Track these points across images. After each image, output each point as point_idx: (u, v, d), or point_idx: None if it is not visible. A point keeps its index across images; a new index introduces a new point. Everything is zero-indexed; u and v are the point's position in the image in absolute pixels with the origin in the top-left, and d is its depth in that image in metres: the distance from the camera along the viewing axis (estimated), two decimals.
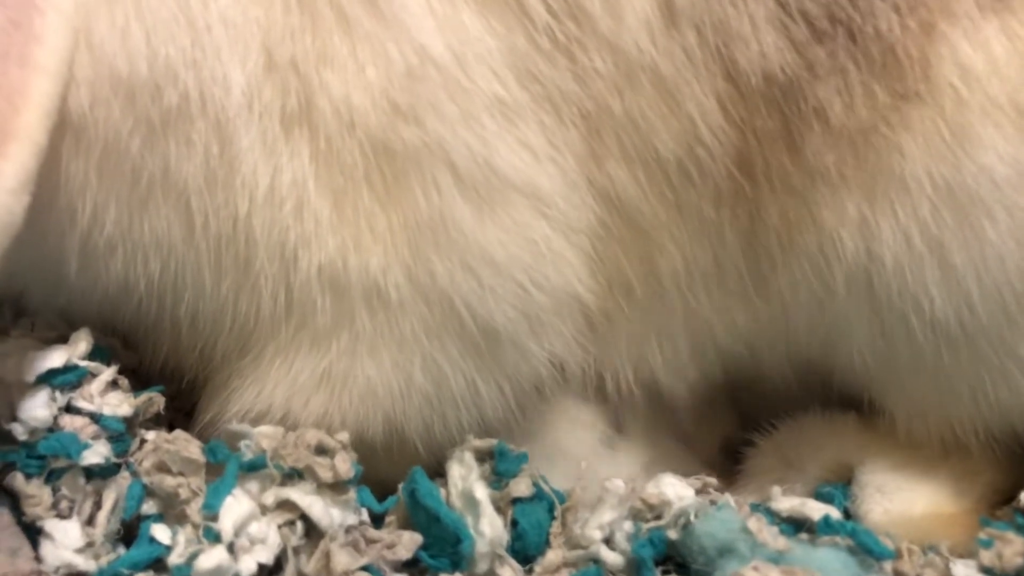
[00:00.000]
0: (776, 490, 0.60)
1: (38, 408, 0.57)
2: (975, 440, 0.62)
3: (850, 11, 0.55)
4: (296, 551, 0.56)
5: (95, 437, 0.58)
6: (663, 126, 0.57)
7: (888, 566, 0.56)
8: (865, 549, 0.56)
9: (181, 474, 0.57)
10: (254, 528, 0.55)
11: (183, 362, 0.63)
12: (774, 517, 0.59)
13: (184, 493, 0.56)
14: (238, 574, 0.54)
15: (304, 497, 0.56)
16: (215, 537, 0.55)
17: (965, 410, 0.61)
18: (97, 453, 0.57)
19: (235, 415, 0.61)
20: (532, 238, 0.58)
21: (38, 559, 0.55)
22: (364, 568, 0.55)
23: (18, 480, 0.56)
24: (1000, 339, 0.58)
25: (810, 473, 0.66)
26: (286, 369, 0.60)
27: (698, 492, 0.60)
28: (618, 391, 0.65)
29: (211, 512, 0.55)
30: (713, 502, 0.58)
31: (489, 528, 0.57)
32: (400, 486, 0.59)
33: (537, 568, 0.58)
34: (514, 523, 0.59)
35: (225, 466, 0.57)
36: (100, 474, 0.57)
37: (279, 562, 0.56)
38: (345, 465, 0.57)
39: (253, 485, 0.57)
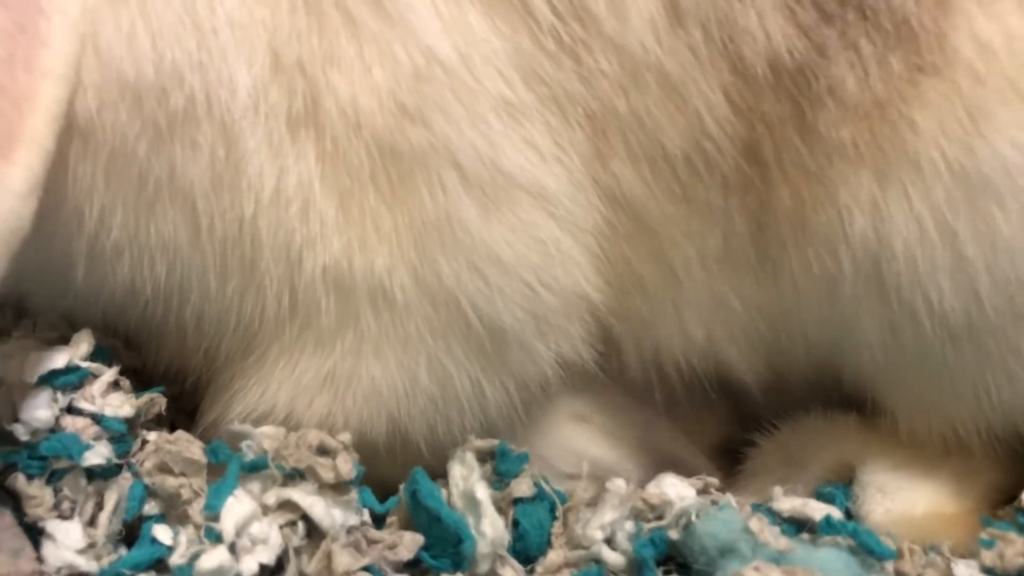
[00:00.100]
0: (777, 490, 0.60)
1: (40, 409, 0.57)
2: (977, 440, 0.62)
3: None
4: (297, 551, 0.56)
5: (97, 438, 0.58)
6: (669, 123, 0.57)
7: (889, 566, 0.56)
8: (866, 549, 0.56)
9: (183, 475, 0.57)
10: (255, 528, 0.55)
11: (187, 363, 0.63)
12: (775, 517, 0.59)
13: (186, 494, 0.56)
14: (239, 574, 0.54)
15: (306, 497, 0.56)
16: (217, 537, 0.55)
17: (968, 409, 0.61)
18: (99, 454, 0.57)
19: (238, 416, 0.61)
20: (539, 238, 0.58)
21: (40, 560, 0.55)
22: (365, 568, 0.55)
23: (20, 481, 0.56)
24: (1005, 337, 0.58)
25: (811, 473, 0.66)
26: (290, 370, 0.60)
27: (699, 492, 0.60)
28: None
29: (213, 512, 0.55)
30: (714, 502, 0.58)
31: (490, 528, 0.57)
32: (401, 487, 0.59)
33: (538, 568, 0.58)
34: (515, 523, 0.59)
35: (227, 466, 0.57)
36: (102, 475, 0.57)
37: (280, 562, 0.56)
38: (347, 466, 0.57)
39: (255, 485, 0.57)
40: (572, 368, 0.63)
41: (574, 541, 0.58)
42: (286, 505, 0.56)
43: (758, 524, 0.55)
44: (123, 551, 0.57)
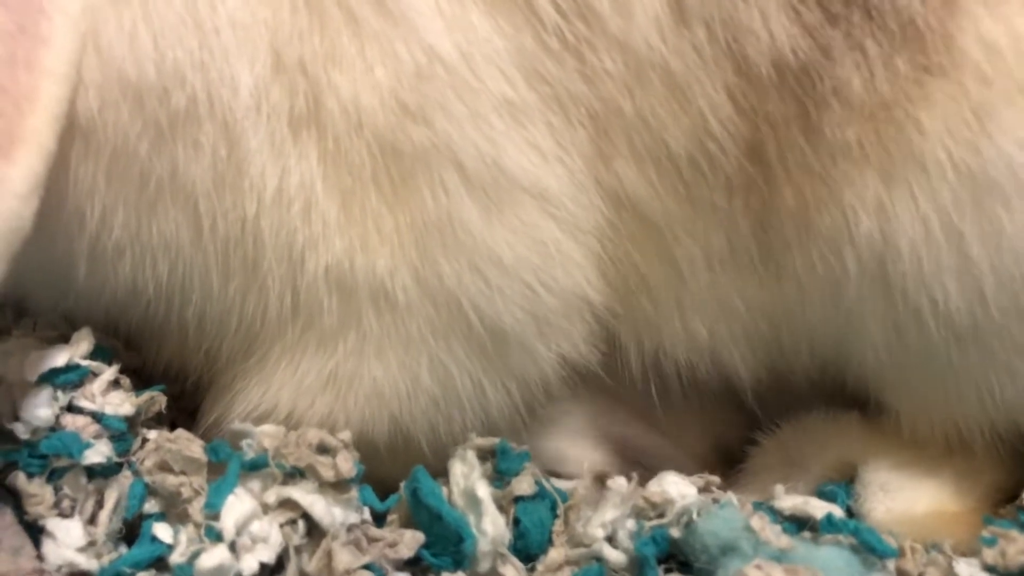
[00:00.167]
0: (779, 488, 0.60)
1: (40, 407, 0.57)
2: (980, 439, 0.62)
3: None
4: (298, 550, 0.56)
5: (97, 436, 0.58)
6: (674, 123, 0.57)
7: (891, 564, 0.56)
8: (868, 548, 0.56)
9: (183, 473, 0.57)
10: (256, 527, 0.55)
11: (188, 363, 0.63)
12: (777, 515, 0.58)
13: (186, 492, 0.56)
14: (240, 573, 0.54)
15: (306, 496, 0.56)
16: (217, 536, 0.55)
17: (971, 408, 0.61)
18: (99, 452, 0.57)
19: (240, 415, 0.61)
20: (540, 239, 0.58)
21: (40, 558, 0.55)
22: (366, 567, 0.55)
23: (20, 479, 0.56)
24: (1010, 336, 0.58)
25: (813, 471, 0.65)
26: (292, 370, 0.60)
27: (701, 490, 0.60)
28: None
29: (213, 511, 0.55)
30: (716, 500, 0.58)
31: (491, 527, 0.57)
32: (402, 485, 0.59)
33: (539, 567, 0.58)
34: (516, 521, 0.59)
35: (227, 465, 0.57)
36: (102, 473, 0.57)
37: (281, 561, 0.56)
38: (347, 464, 0.56)
39: (255, 484, 0.57)
40: (574, 369, 0.63)
41: (575, 539, 0.58)
42: (286, 503, 0.56)
43: (759, 522, 0.55)
44: (123, 549, 0.57)
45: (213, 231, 0.57)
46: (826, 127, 0.56)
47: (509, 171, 0.57)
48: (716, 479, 0.61)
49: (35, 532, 0.56)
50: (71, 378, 0.59)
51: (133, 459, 0.58)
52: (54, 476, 0.57)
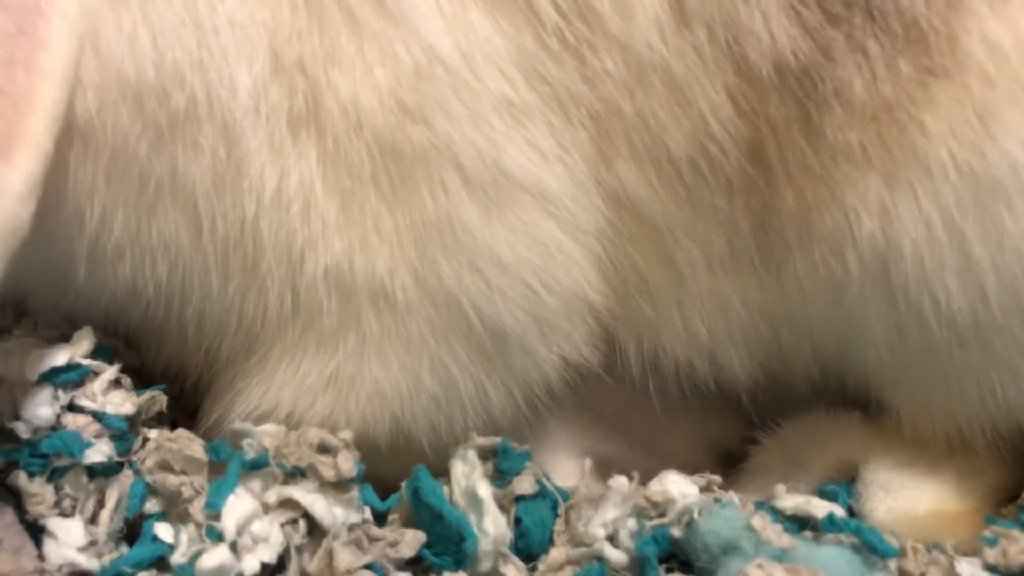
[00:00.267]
0: (780, 488, 0.60)
1: (41, 407, 0.57)
2: (981, 438, 0.62)
3: None
4: (299, 550, 0.56)
5: (98, 436, 0.58)
6: (674, 124, 0.57)
7: (892, 564, 0.56)
8: (869, 547, 0.56)
9: (184, 473, 0.57)
10: (257, 527, 0.55)
11: (188, 363, 0.63)
12: (778, 515, 0.58)
13: (187, 492, 0.56)
14: (241, 573, 0.54)
15: (307, 495, 0.56)
16: (218, 536, 0.55)
17: (973, 408, 0.61)
18: (100, 451, 0.57)
19: (240, 415, 0.61)
20: (541, 239, 0.58)
21: (41, 557, 0.55)
22: (367, 566, 0.55)
23: (21, 479, 0.56)
24: (1012, 336, 0.58)
25: (814, 471, 0.65)
26: (292, 371, 0.60)
27: (702, 490, 0.60)
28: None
29: (214, 511, 0.55)
30: (717, 500, 0.57)
31: (492, 526, 0.57)
32: (403, 484, 0.59)
33: (541, 566, 0.58)
34: (517, 521, 0.59)
35: (227, 465, 0.57)
36: (103, 472, 0.57)
37: (282, 561, 0.56)
38: (348, 463, 0.56)
39: (256, 484, 0.57)
40: (575, 369, 0.63)
41: (576, 539, 0.58)
42: (287, 503, 0.56)
43: (761, 522, 0.55)
44: (124, 549, 0.57)
45: (212, 232, 0.57)
46: (827, 129, 0.56)
47: (509, 171, 0.57)
48: (717, 478, 0.61)
49: (36, 532, 0.56)
50: (72, 377, 0.59)
51: (134, 458, 0.58)
52: (55, 475, 0.57)
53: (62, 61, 0.53)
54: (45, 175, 0.52)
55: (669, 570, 0.57)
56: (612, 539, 0.57)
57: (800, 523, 0.58)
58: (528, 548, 0.59)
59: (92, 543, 0.56)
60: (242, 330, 0.59)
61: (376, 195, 0.57)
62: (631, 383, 0.65)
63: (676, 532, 0.56)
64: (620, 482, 0.59)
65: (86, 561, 0.55)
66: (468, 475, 0.59)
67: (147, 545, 0.56)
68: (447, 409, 0.60)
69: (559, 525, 0.59)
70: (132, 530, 0.57)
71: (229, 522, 0.55)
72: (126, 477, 0.58)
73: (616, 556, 0.57)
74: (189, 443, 0.58)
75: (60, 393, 0.58)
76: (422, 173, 0.56)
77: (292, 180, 0.56)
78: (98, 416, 0.58)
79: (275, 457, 0.57)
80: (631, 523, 0.58)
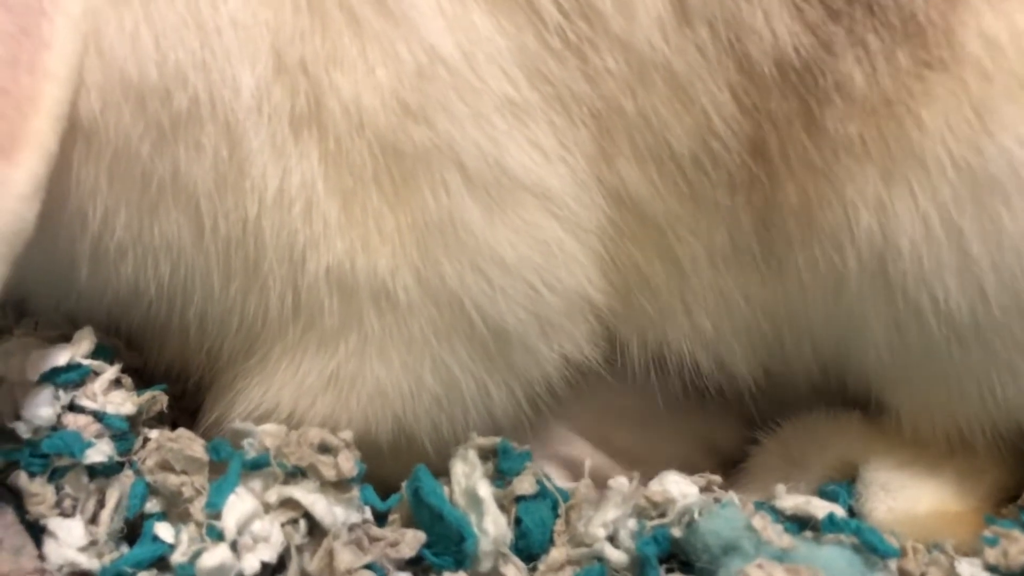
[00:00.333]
0: (780, 488, 0.60)
1: (41, 407, 0.57)
2: (981, 438, 0.62)
3: None
4: (299, 549, 0.56)
5: (98, 435, 0.58)
6: (677, 123, 0.57)
7: (893, 564, 0.56)
8: (870, 547, 0.56)
9: (184, 472, 0.57)
10: (257, 526, 0.55)
11: (189, 363, 0.63)
12: (778, 515, 0.58)
13: (187, 491, 0.56)
14: (241, 572, 0.54)
15: (307, 495, 0.56)
16: (218, 535, 0.55)
17: (973, 408, 0.61)
18: (100, 451, 0.57)
19: (241, 415, 0.61)
20: (543, 239, 0.58)
21: (41, 557, 0.55)
22: (367, 566, 0.55)
23: (22, 479, 0.56)
24: (1011, 335, 0.58)
25: (814, 471, 0.65)
26: (293, 370, 0.60)
27: (702, 490, 0.60)
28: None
29: (214, 510, 0.55)
30: (717, 500, 0.58)
31: (493, 526, 0.57)
32: (403, 484, 0.59)
33: (541, 566, 0.58)
34: (518, 521, 0.59)
35: (228, 464, 0.57)
36: (103, 472, 0.57)
37: (282, 560, 0.56)
38: (348, 463, 0.56)
39: (256, 483, 0.57)
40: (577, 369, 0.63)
41: (576, 539, 0.58)
42: (288, 503, 0.56)
43: (761, 522, 0.55)
44: (125, 549, 0.57)
45: (214, 232, 0.57)
46: (828, 122, 0.56)
47: (511, 171, 0.57)
48: (717, 479, 0.61)
49: (36, 531, 0.56)
50: (72, 377, 0.59)
51: (134, 458, 0.58)
52: (55, 475, 0.57)
53: (65, 62, 0.53)
54: (49, 176, 0.52)
55: (669, 570, 0.57)
56: (612, 539, 0.57)
57: (800, 523, 0.58)
58: (528, 548, 0.59)
59: (92, 543, 0.56)
60: (243, 330, 0.59)
61: (378, 195, 0.57)
62: (631, 381, 0.65)
63: (676, 532, 0.56)
64: (620, 482, 0.59)
65: (86, 561, 0.55)
66: (468, 475, 0.59)
67: (147, 545, 0.56)
68: (449, 409, 0.60)
69: (559, 525, 0.59)
70: (132, 530, 0.57)
71: (230, 522, 0.55)
72: (127, 477, 0.58)
73: (616, 556, 0.57)
74: (190, 443, 0.58)
75: (61, 393, 0.58)
76: (424, 173, 0.56)
77: (294, 180, 0.56)
78: (99, 416, 0.58)
79: (276, 457, 0.57)
80: (631, 523, 0.58)
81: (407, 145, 0.56)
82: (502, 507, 0.59)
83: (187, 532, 0.55)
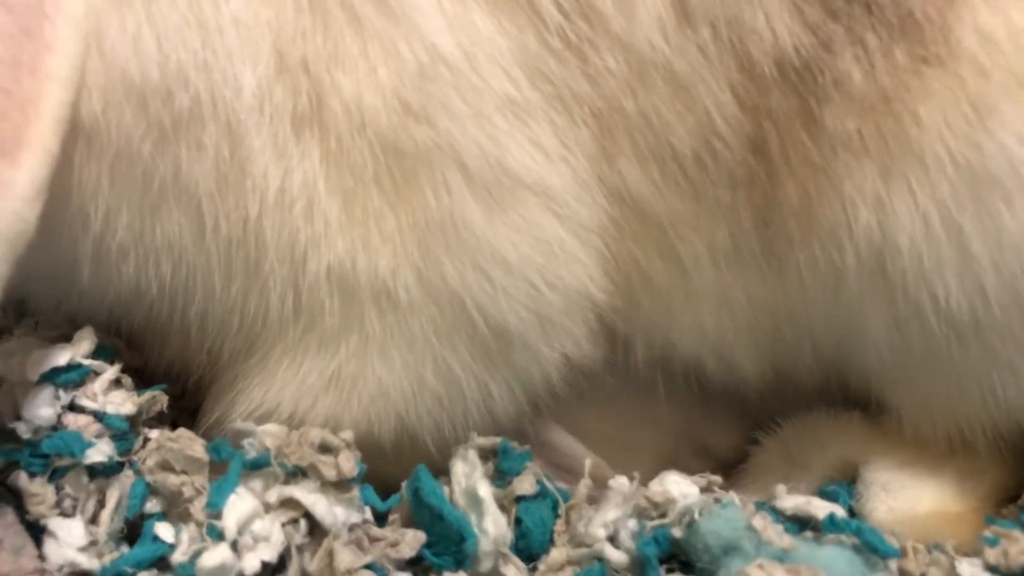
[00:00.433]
0: (781, 488, 0.60)
1: (42, 407, 0.57)
2: (982, 438, 0.62)
3: None
4: (299, 549, 0.56)
5: (99, 435, 0.58)
6: (678, 122, 0.57)
7: (893, 564, 0.56)
8: (870, 547, 0.56)
9: (184, 472, 0.57)
10: (257, 526, 0.55)
11: (190, 363, 0.63)
12: (779, 515, 0.58)
13: (187, 491, 0.56)
14: (241, 572, 0.54)
15: (307, 495, 0.56)
16: (218, 535, 0.55)
17: (973, 407, 0.61)
18: (100, 451, 0.57)
19: (241, 415, 0.61)
20: (544, 238, 0.58)
21: (41, 557, 0.55)
22: (367, 566, 0.55)
23: (22, 479, 0.56)
24: (1011, 334, 0.58)
25: (815, 471, 0.65)
26: (294, 370, 0.60)
27: (703, 490, 0.60)
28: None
29: (214, 510, 0.55)
30: (718, 500, 0.58)
31: (493, 526, 0.57)
32: (404, 484, 0.59)
33: (541, 566, 0.58)
34: (518, 521, 0.59)
35: (228, 464, 0.57)
36: (103, 472, 0.57)
37: (282, 560, 0.56)
38: (349, 463, 0.56)
39: (257, 483, 0.57)
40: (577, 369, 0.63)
41: (577, 539, 0.58)
42: (288, 503, 0.56)
43: (761, 522, 0.55)
44: (125, 549, 0.57)
45: (216, 231, 0.57)
46: (828, 120, 0.56)
47: (512, 170, 0.57)
48: (718, 479, 0.61)
49: (37, 532, 0.56)
50: (73, 377, 0.59)
51: (135, 458, 0.58)
52: (56, 475, 0.57)
53: (67, 63, 0.53)
54: (51, 177, 0.52)
55: (670, 570, 0.57)
56: (613, 539, 0.57)
57: (801, 523, 0.58)
58: (529, 548, 0.59)
59: (93, 543, 0.56)
60: (244, 329, 0.59)
61: (379, 194, 0.57)
62: (626, 377, 0.65)
63: (677, 532, 0.57)
64: (621, 482, 0.59)
65: (86, 561, 0.55)
66: (469, 475, 0.59)
67: (148, 545, 0.56)
68: (450, 408, 0.60)
69: (560, 525, 0.59)
70: (133, 530, 0.57)
71: (230, 521, 0.55)
72: (127, 477, 0.57)
73: (617, 556, 0.57)
74: (190, 443, 0.58)
75: (61, 393, 0.58)
76: (425, 172, 0.56)
77: (295, 180, 0.56)
78: (99, 416, 0.58)
79: (276, 457, 0.57)
80: (632, 523, 0.58)
81: (408, 145, 0.56)
82: (502, 507, 0.59)
83: (187, 532, 0.55)
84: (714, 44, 0.56)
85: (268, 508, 0.56)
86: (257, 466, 0.57)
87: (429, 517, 0.57)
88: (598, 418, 0.68)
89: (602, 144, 0.58)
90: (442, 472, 0.60)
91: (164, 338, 0.62)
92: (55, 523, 0.56)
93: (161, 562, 0.55)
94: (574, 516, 0.59)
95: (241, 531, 0.55)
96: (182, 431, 0.59)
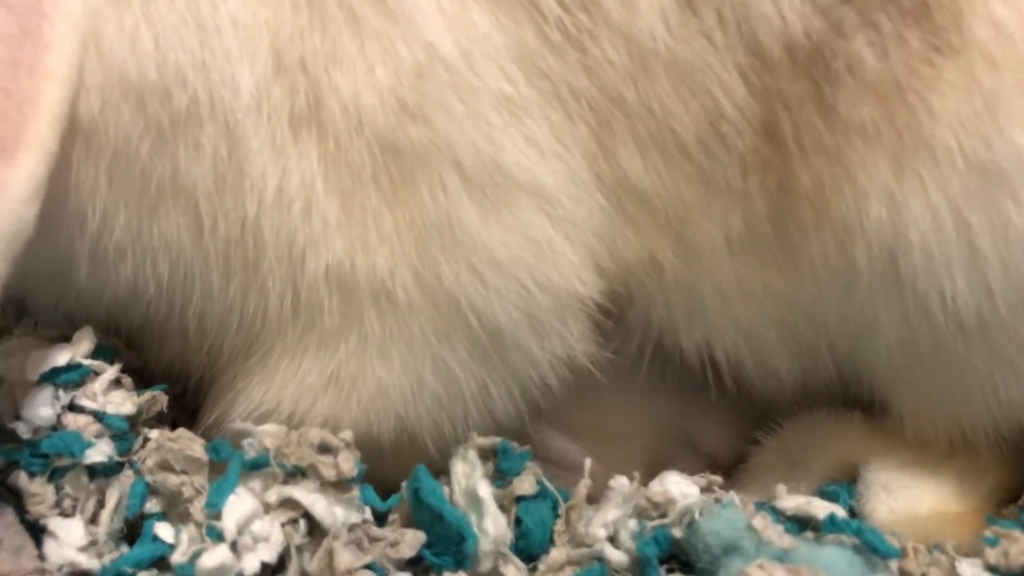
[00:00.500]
0: (781, 488, 0.60)
1: (41, 406, 0.57)
2: (984, 439, 0.62)
3: None
4: (299, 549, 0.56)
5: (98, 435, 0.58)
6: (683, 109, 0.56)
7: (894, 565, 0.56)
8: (871, 548, 0.56)
9: (184, 472, 0.57)
10: (257, 526, 0.55)
11: (189, 363, 0.63)
12: (779, 515, 0.58)
13: (187, 491, 0.56)
14: (241, 573, 0.54)
15: (307, 495, 0.56)
16: (218, 536, 0.54)
17: (976, 408, 0.61)
18: (100, 451, 0.57)
19: (241, 415, 0.61)
20: (535, 238, 0.58)
21: (41, 557, 0.55)
22: (367, 566, 0.55)
23: (22, 478, 0.56)
24: (1016, 334, 0.57)
25: (815, 471, 0.65)
26: (293, 370, 0.60)
27: (703, 490, 0.60)
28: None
29: (214, 511, 0.55)
30: (718, 500, 0.57)
31: (493, 526, 0.57)
32: (403, 484, 0.59)
33: (541, 566, 0.58)
34: (518, 521, 0.59)
35: (228, 464, 0.57)
36: (103, 472, 0.57)
37: (282, 561, 0.55)
38: (348, 463, 0.56)
39: (256, 483, 0.57)
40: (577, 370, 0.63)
41: (577, 539, 0.58)
42: (287, 503, 0.56)
43: (762, 522, 0.55)
44: (124, 549, 0.56)
45: (214, 231, 0.57)
46: (841, 105, 0.55)
47: (506, 169, 0.57)
48: (718, 479, 0.61)
49: (36, 531, 0.56)
50: (72, 377, 0.59)
51: (134, 458, 0.58)
52: (55, 475, 0.57)
53: (66, 62, 0.53)
54: (49, 176, 0.52)
55: (670, 571, 0.57)
56: (613, 540, 0.57)
57: (801, 523, 0.58)
58: (528, 548, 0.59)
59: (92, 543, 0.56)
60: (243, 329, 0.59)
61: (377, 194, 0.57)
62: (617, 374, 0.65)
63: (677, 533, 0.56)
64: (621, 482, 0.59)
65: (86, 561, 0.55)
66: (468, 475, 0.59)
67: (147, 545, 0.56)
68: (450, 407, 0.60)
69: (560, 525, 0.59)
70: (132, 530, 0.57)
71: (229, 522, 0.54)
72: (127, 477, 0.57)
73: (617, 557, 0.57)
74: (190, 443, 0.58)
75: (61, 393, 0.58)
76: (422, 172, 0.56)
77: (293, 179, 0.56)
78: (99, 416, 0.58)
79: (276, 457, 0.57)
80: (632, 523, 0.58)
81: (405, 144, 0.56)
82: (502, 507, 0.58)
83: (187, 532, 0.55)
84: (720, 30, 0.55)
85: (267, 508, 0.56)
86: (256, 466, 0.57)
87: (429, 517, 0.57)
88: (586, 407, 0.67)
89: (600, 139, 0.57)
90: (442, 472, 0.60)
91: (162, 338, 0.62)
92: (55, 523, 0.56)
93: (161, 562, 0.55)
94: (574, 516, 0.59)
95: (240, 531, 0.55)
96: (182, 431, 0.59)
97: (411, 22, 0.55)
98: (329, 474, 0.56)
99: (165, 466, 0.57)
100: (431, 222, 0.57)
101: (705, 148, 0.57)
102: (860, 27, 0.55)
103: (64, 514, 0.56)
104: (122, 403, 0.59)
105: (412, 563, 0.57)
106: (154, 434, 0.59)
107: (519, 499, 0.59)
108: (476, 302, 0.58)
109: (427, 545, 0.57)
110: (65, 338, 0.60)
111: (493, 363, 0.60)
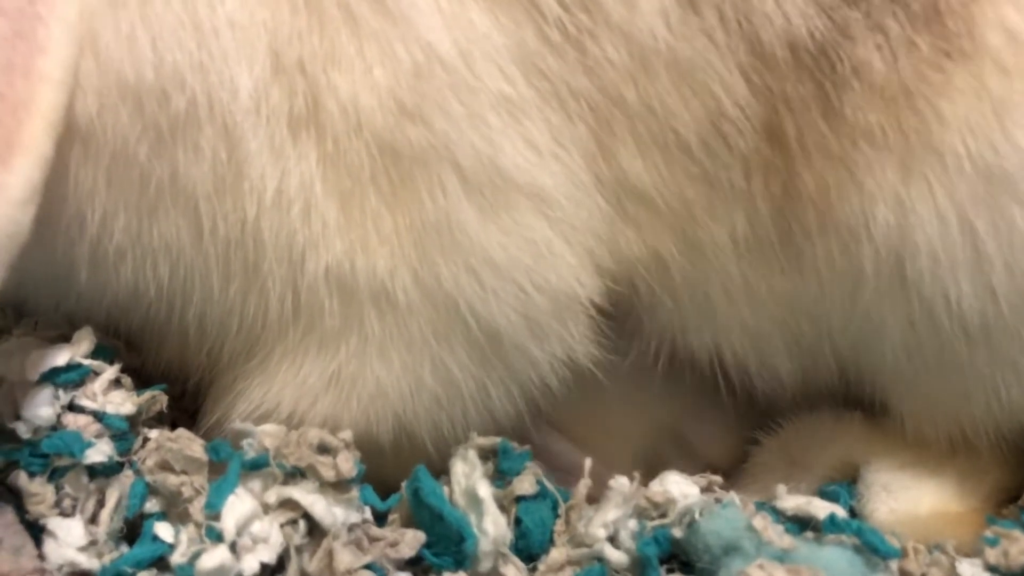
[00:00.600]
0: (781, 488, 0.60)
1: (41, 406, 0.57)
2: (984, 439, 0.62)
3: None
4: (299, 550, 0.56)
5: (98, 435, 0.58)
6: (684, 108, 0.56)
7: (894, 565, 0.56)
8: (871, 548, 0.56)
9: (184, 472, 0.57)
10: (256, 527, 0.55)
11: (189, 364, 0.63)
12: (779, 515, 0.58)
13: (187, 492, 0.56)
14: (240, 573, 0.54)
15: (306, 496, 0.56)
16: (217, 536, 0.54)
17: (978, 409, 0.61)
18: (100, 451, 0.57)
19: (241, 415, 0.61)
20: (533, 240, 0.58)
21: (41, 557, 0.55)
22: (367, 567, 0.55)
23: (21, 478, 0.56)
24: (1019, 336, 0.57)
25: (815, 471, 0.65)
26: (294, 372, 0.60)
27: (703, 490, 0.59)
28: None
29: (214, 511, 0.55)
30: (718, 500, 0.57)
31: (492, 526, 0.57)
32: (403, 484, 0.59)
33: (541, 567, 0.58)
34: (518, 521, 0.59)
35: (228, 465, 0.57)
36: (103, 472, 0.57)
37: (282, 561, 0.55)
38: (348, 464, 0.56)
39: (256, 484, 0.57)
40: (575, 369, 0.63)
41: (577, 539, 0.58)
42: (287, 503, 0.56)
43: (762, 522, 0.55)
44: (124, 549, 0.56)
45: (213, 233, 0.57)
46: (847, 108, 0.55)
47: (505, 170, 0.56)
48: (718, 479, 0.61)
49: (36, 531, 0.56)
50: (72, 377, 0.59)
51: (134, 458, 0.58)
52: (55, 475, 0.57)
53: (61, 65, 0.53)
54: (45, 180, 0.52)
55: (670, 571, 0.57)
56: (613, 540, 0.57)
57: (801, 524, 0.58)
58: (528, 548, 0.59)
59: (92, 543, 0.56)
60: (243, 331, 0.59)
61: (376, 196, 0.56)
62: (613, 372, 0.64)
63: (677, 533, 0.56)
64: (621, 482, 0.59)
65: (86, 561, 0.55)
66: (468, 475, 0.59)
67: (147, 545, 0.56)
68: (449, 408, 0.60)
69: (559, 525, 0.59)
70: (132, 530, 0.57)
71: (229, 522, 0.54)
72: (126, 477, 0.57)
73: (617, 557, 0.57)
74: (189, 443, 0.58)
75: (60, 393, 0.58)
76: (421, 173, 0.56)
77: (292, 181, 0.56)
78: (98, 416, 0.58)
79: (275, 457, 0.57)
80: (632, 524, 0.58)
81: (404, 145, 0.56)
82: (502, 507, 0.58)
83: (186, 532, 0.55)
84: (721, 28, 0.55)
85: (267, 509, 0.56)
86: (256, 467, 0.57)
87: (429, 517, 0.57)
88: (586, 407, 0.67)
89: (600, 139, 0.57)
90: (442, 472, 0.60)
91: (162, 339, 0.62)
92: (55, 523, 0.56)
93: (160, 562, 0.55)
94: (574, 516, 0.59)
95: (240, 532, 0.55)
96: (182, 431, 0.59)
97: (409, 22, 0.55)
98: (328, 474, 0.56)
99: (165, 466, 0.57)
100: (430, 224, 0.57)
101: (707, 148, 0.57)
102: (868, 31, 0.55)
103: (64, 514, 0.56)
104: (122, 403, 0.59)
105: (412, 563, 0.57)
106: (154, 434, 0.59)
107: (519, 499, 0.59)
108: (474, 304, 0.58)
109: (427, 545, 0.57)
110: (65, 338, 0.60)
111: (492, 364, 0.60)
